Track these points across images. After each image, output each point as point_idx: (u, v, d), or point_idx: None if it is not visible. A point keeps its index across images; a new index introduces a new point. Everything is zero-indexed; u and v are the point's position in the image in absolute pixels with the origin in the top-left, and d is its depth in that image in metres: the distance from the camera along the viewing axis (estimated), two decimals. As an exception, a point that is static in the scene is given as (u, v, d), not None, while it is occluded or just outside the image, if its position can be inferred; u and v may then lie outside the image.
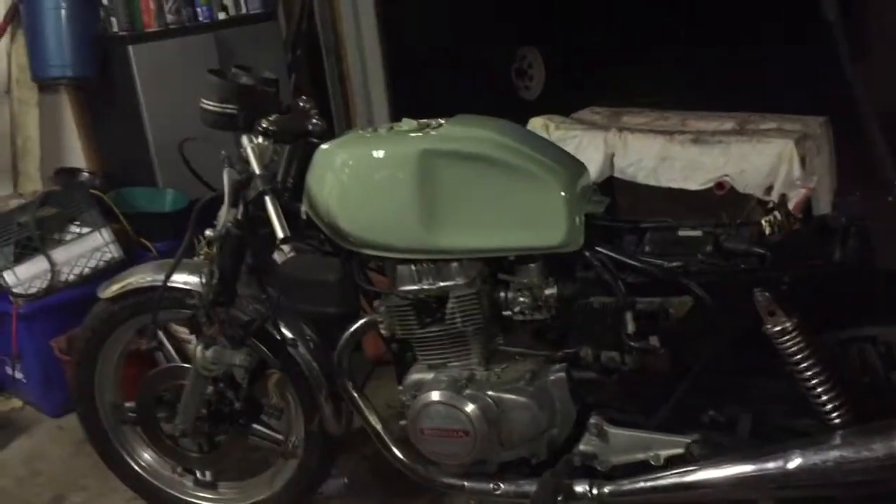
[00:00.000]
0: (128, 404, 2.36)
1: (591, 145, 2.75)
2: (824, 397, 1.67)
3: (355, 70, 4.31)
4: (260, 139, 1.90)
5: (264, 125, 1.89)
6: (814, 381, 1.67)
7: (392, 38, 4.31)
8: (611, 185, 2.76)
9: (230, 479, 2.40)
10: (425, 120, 1.93)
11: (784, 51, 4.98)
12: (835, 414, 1.67)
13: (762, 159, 2.47)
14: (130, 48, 3.45)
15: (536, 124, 2.96)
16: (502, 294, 1.86)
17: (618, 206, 2.69)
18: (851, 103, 2.32)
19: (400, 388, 1.98)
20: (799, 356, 1.66)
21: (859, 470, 1.61)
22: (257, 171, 1.84)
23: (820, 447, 1.65)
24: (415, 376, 1.95)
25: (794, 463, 1.66)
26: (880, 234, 1.80)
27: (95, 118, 3.77)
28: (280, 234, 1.76)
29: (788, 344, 1.66)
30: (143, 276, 2.21)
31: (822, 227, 1.74)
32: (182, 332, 2.56)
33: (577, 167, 1.89)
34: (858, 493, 1.69)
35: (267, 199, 1.80)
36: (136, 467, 2.41)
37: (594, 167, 2.69)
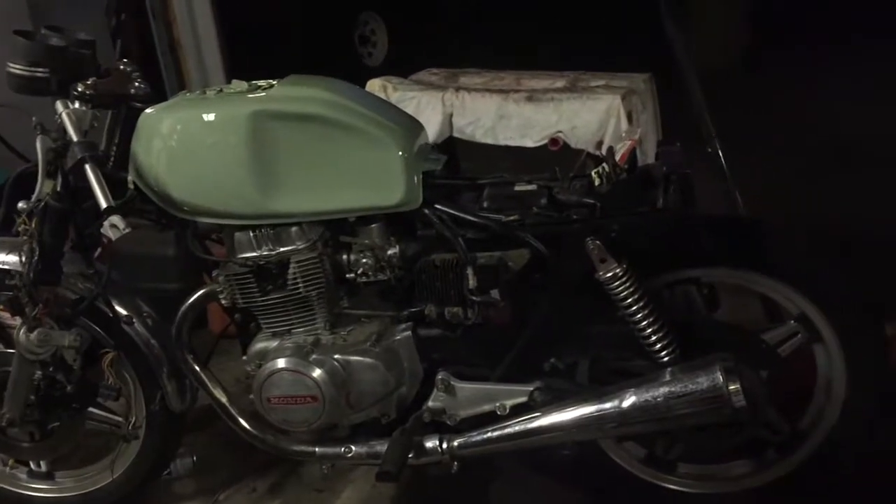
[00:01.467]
0: (-54, 397, 2.18)
1: (429, 106, 2.76)
2: (653, 338, 1.77)
3: (186, 35, 4.10)
4: (77, 104, 1.79)
5: (80, 89, 1.78)
6: (643, 323, 1.76)
7: (225, 2, 4.14)
8: (451, 146, 2.79)
9: (68, 467, 2.27)
10: (256, 81, 1.87)
11: (614, 10, 5.16)
12: (664, 353, 1.78)
13: (591, 115, 2.57)
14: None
15: (374, 86, 2.94)
16: (344, 256, 1.85)
17: (459, 165, 2.73)
18: (674, 60, 2.44)
19: (244, 358, 1.93)
20: (629, 300, 1.74)
21: (687, 403, 1.71)
22: (75, 138, 1.74)
23: (651, 385, 1.74)
24: (259, 345, 1.90)
25: (629, 402, 1.75)
26: (700, 182, 1.91)
27: None
28: (104, 204, 1.67)
29: (619, 288, 1.74)
30: (-47, 258, 2.04)
31: (647, 176, 1.82)
32: (5, 316, 2.39)
33: (413, 126, 1.89)
34: (689, 425, 1.80)
35: (87, 167, 1.70)
36: (-39, 463, 2.25)
37: (433, 127, 2.71)
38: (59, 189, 1.82)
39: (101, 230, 2.94)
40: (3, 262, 1.97)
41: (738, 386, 1.68)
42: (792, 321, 1.84)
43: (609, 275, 1.73)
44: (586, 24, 5.27)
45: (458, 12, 6.00)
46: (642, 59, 2.88)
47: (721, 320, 1.90)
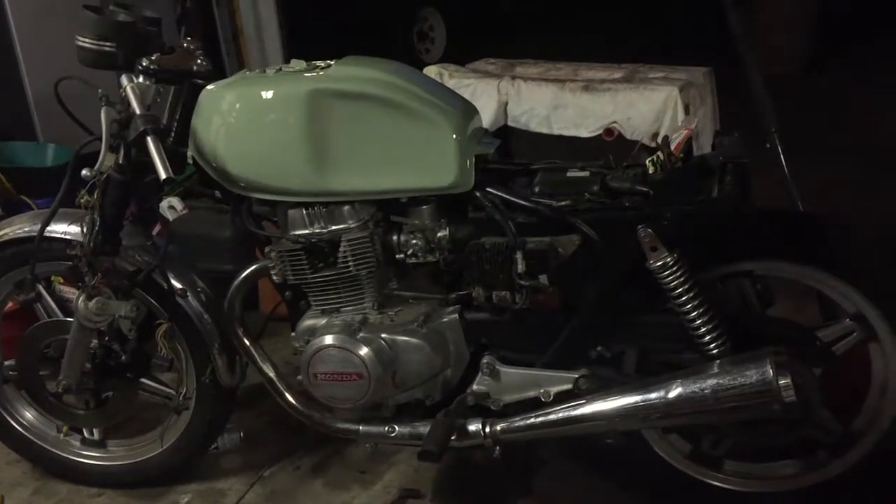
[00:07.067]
0: (7, 363, 2.26)
1: (484, 93, 2.76)
2: (703, 329, 1.74)
3: (249, 26, 4.19)
4: (141, 79, 1.83)
5: (145, 64, 1.83)
6: (693, 314, 1.73)
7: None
8: (505, 134, 2.78)
9: (120, 436, 2.33)
10: (315, 61, 1.90)
11: (677, 4, 5.09)
12: (713, 345, 1.75)
13: (648, 106, 2.54)
14: (2, -15, 3.24)
15: (431, 73, 2.96)
16: (395, 237, 1.86)
17: (512, 154, 2.71)
18: (735, 52, 2.40)
19: (293, 335, 1.96)
20: (679, 290, 1.72)
21: (735, 396, 1.68)
22: (138, 111, 1.78)
23: (699, 376, 1.72)
24: (308, 322, 1.93)
25: (675, 392, 1.73)
26: (759, 178, 1.88)
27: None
28: (163, 175, 1.70)
29: (669, 278, 1.72)
30: (19, 227, 2.11)
31: (703, 165, 1.80)
32: (67, 291, 2.46)
33: (468, 109, 1.90)
34: (736, 419, 1.78)
35: (149, 139, 1.73)
36: (19, 427, 2.31)
37: (488, 115, 2.71)
38: (121, 161, 1.87)
39: (160, 211, 3.02)
40: (65, 233, 2.03)
41: (788, 380, 1.65)
42: (847, 319, 1.80)
43: (659, 264, 1.71)
44: (648, 19, 5.21)
45: (517, 10, 6.00)
46: (703, 55, 2.84)
47: (773, 315, 1.86)
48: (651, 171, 1.77)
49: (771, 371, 1.65)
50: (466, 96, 2.63)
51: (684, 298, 1.73)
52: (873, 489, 1.86)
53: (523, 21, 5.89)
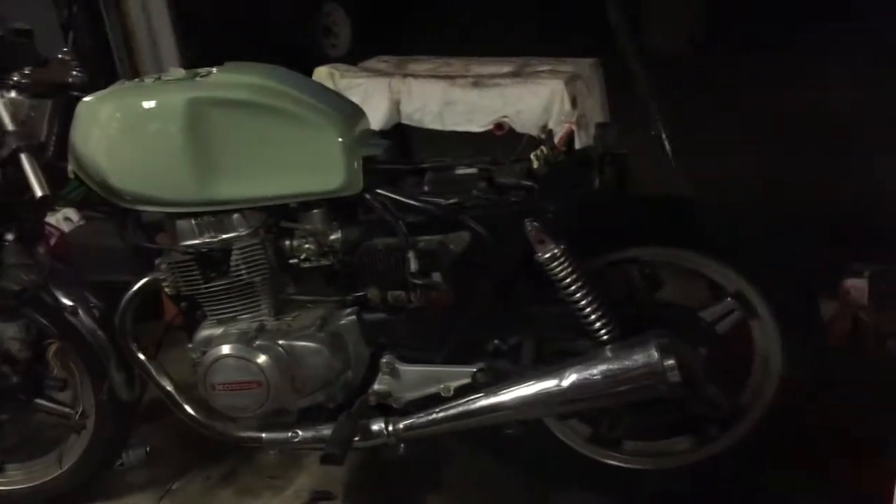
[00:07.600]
0: None
1: (376, 93, 2.77)
2: (592, 317, 1.80)
3: (140, 27, 4.07)
4: (12, 94, 1.77)
5: (15, 78, 1.77)
6: (582, 303, 1.79)
7: (181, -8, 4.09)
8: (401, 132, 2.80)
9: (19, 460, 2.26)
10: (195, 69, 1.87)
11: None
12: (603, 332, 1.81)
13: (536, 100, 2.59)
14: None
15: (321, 74, 2.94)
16: (287, 242, 1.86)
17: (411, 151, 2.73)
18: (618, 45, 2.47)
19: (190, 346, 1.93)
20: (567, 280, 1.77)
21: (625, 380, 1.75)
22: (9, 128, 1.72)
23: (590, 364, 1.78)
24: (204, 333, 1.91)
25: (569, 381, 1.78)
26: (647, 165, 1.94)
27: None
28: (38, 193, 1.66)
29: (557, 269, 1.76)
30: None
31: (584, 158, 1.85)
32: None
33: (353, 111, 1.90)
34: (629, 401, 1.83)
35: (22, 156, 1.68)
36: (-90, 460, 2.22)
37: (381, 114, 2.72)
38: (-4, 180, 1.81)
39: (54, 222, 2.93)
40: (-55, 256, 1.95)
41: (672, 362, 1.72)
42: (728, 298, 1.87)
43: (547, 256, 1.76)
44: (546, 11, 5.26)
45: (422, 3, 5.98)
46: (598, 45, 2.89)
47: (659, 299, 1.93)
48: (535, 165, 1.81)
49: (656, 354, 1.72)
50: (358, 96, 2.64)
51: (573, 288, 1.78)
52: (760, 460, 1.95)
53: (427, 16, 5.86)
